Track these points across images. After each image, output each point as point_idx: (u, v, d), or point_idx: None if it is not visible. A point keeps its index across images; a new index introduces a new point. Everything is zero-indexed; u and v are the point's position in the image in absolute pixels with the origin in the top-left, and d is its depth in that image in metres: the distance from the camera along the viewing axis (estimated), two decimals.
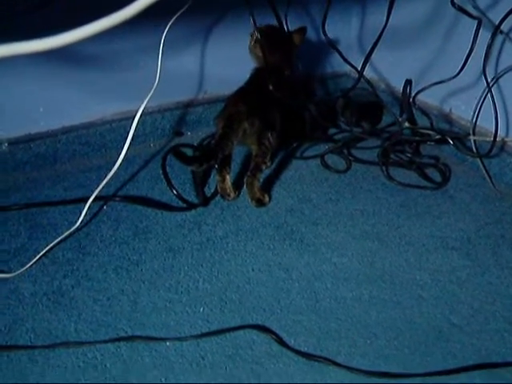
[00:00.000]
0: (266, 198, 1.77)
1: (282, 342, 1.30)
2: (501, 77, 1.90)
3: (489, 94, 1.88)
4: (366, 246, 1.61)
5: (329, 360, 1.27)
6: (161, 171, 1.84)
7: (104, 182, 1.65)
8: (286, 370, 1.25)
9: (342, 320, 1.38)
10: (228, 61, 2.10)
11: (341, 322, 1.37)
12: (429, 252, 1.60)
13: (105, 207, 1.75)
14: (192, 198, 1.79)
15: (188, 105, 2.17)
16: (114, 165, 1.65)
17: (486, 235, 1.66)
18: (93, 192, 1.65)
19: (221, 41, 2.11)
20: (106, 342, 1.30)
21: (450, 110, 2.11)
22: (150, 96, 1.70)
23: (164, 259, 1.55)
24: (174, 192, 1.78)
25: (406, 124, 2.09)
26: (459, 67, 1.89)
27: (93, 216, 1.71)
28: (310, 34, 2.25)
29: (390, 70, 2.29)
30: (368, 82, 2.12)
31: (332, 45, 2.05)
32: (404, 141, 2.07)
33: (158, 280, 1.48)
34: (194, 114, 2.19)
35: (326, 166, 1.99)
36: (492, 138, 1.87)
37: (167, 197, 1.79)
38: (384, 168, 1.94)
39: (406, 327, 1.36)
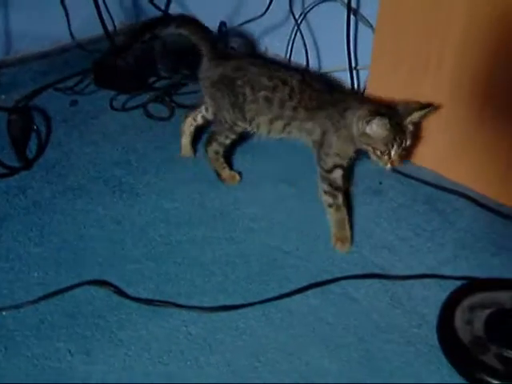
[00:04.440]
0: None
1: (121, 293, 1.32)
2: (308, 12, 1.98)
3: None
4: (196, 189, 1.65)
5: (169, 303, 1.30)
6: None
7: None
8: (129, 319, 1.26)
9: (179, 263, 1.41)
10: (39, 17, 2.00)
11: (178, 265, 1.41)
12: (256, 186, 1.67)
13: None
14: (13, 162, 1.71)
15: None
16: None
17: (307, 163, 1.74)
18: None
19: None
20: None
21: (266, 48, 2.18)
22: None
23: None
24: None
25: None
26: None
27: None
28: None
29: (204, 12, 2.30)
30: None
31: None
32: None
33: None
34: (7, 76, 2.07)
35: (149, 115, 1.98)
36: None
37: None
38: None
39: (241, 260, 1.43)
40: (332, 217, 1.50)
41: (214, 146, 1.66)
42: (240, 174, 1.69)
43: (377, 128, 1.39)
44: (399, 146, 1.42)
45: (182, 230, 1.51)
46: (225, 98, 1.60)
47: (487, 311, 1.26)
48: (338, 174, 1.50)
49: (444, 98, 1.60)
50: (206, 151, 1.67)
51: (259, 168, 1.73)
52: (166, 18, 1.63)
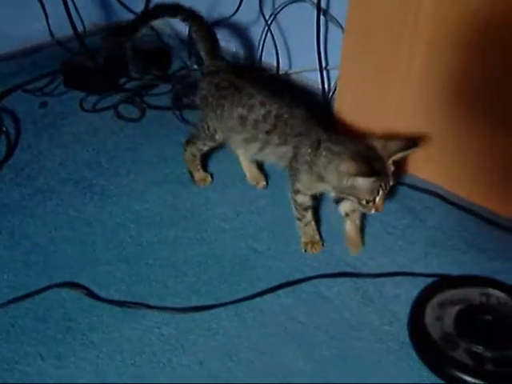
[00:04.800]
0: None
1: (92, 295, 1.31)
2: (278, 13, 1.99)
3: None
4: (167, 190, 1.64)
5: (141, 304, 1.30)
6: None
7: None
8: (101, 321, 1.26)
9: (151, 264, 1.41)
10: (7, 17, 1.97)
11: (150, 266, 1.40)
12: (227, 187, 1.67)
13: None
14: None
15: None
16: None
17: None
18: None
19: None
20: None
21: (235, 49, 2.17)
22: None
23: None
24: None
25: (195, 66, 2.12)
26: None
27: None
28: None
29: None
30: (152, 27, 2.11)
31: None
32: (194, 83, 2.08)
33: None
34: None
35: (119, 116, 1.96)
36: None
37: None
38: (177, 112, 1.96)
39: (213, 261, 1.43)
40: (301, 229, 1.49)
41: (193, 149, 1.65)
42: (212, 175, 1.68)
43: (364, 182, 1.31)
44: (384, 190, 1.34)
45: (153, 230, 1.50)
46: (209, 106, 1.57)
47: (457, 308, 1.28)
48: (303, 199, 1.46)
49: (415, 96, 1.61)
50: (185, 150, 1.67)
51: (230, 169, 1.72)
52: (175, 8, 1.59)
